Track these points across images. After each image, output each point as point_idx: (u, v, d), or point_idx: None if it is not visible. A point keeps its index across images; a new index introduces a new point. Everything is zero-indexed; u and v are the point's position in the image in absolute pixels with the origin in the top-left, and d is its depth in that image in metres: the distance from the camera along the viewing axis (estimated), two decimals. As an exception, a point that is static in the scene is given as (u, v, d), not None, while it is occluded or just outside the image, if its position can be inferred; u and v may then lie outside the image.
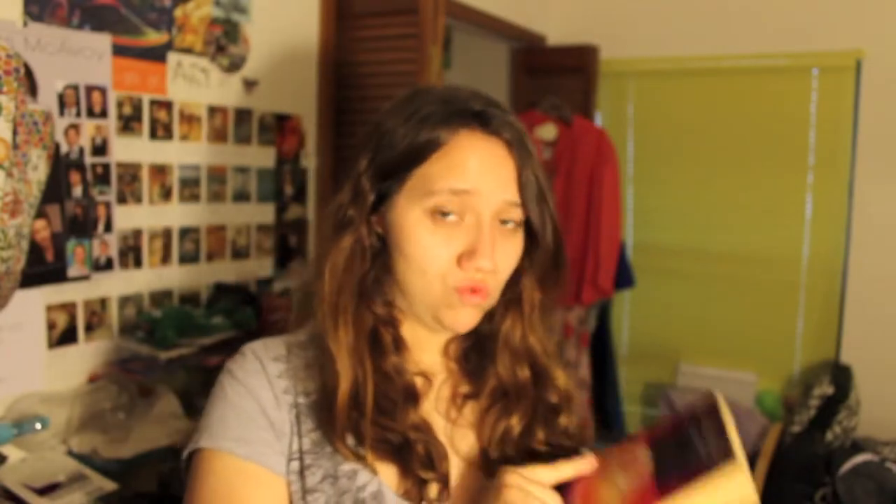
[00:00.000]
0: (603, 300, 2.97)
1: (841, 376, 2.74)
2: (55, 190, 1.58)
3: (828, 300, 2.91)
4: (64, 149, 1.61)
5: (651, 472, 0.73)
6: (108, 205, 1.73)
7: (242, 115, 2.06)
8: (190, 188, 1.95)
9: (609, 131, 2.94)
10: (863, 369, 2.79)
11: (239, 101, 2.05)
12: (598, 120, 3.21)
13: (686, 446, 0.73)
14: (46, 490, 1.41)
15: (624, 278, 2.92)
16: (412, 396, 0.84)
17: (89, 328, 1.72)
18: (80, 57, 1.63)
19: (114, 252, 1.74)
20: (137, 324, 1.78)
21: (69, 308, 1.68)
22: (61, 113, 1.60)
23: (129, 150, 1.78)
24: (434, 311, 0.81)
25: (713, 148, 3.06)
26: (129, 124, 1.77)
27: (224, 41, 1.98)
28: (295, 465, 0.80)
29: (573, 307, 2.83)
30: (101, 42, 1.68)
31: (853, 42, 2.79)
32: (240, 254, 2.10)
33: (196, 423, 0.84)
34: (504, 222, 0.81)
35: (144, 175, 1.83)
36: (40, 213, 1.54)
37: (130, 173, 1.79)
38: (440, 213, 0.79)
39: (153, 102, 1.82)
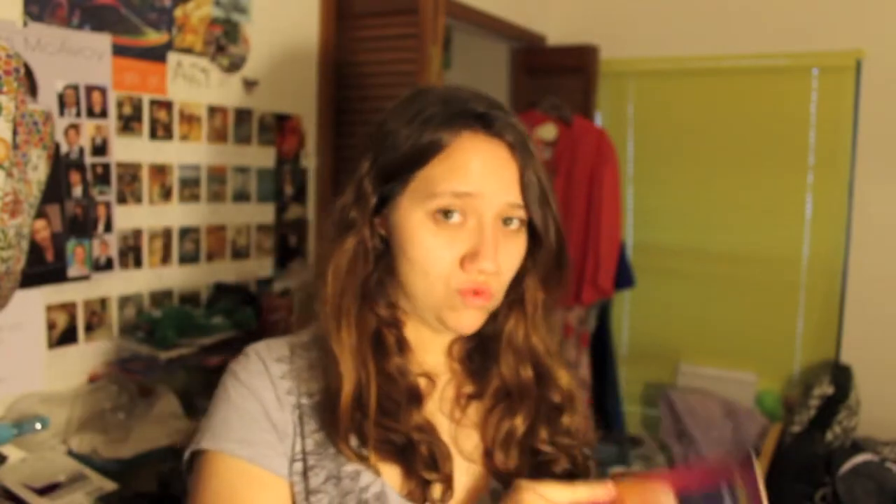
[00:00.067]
0: (603, 300, 2.97)
1: (841, 376, 2.74)
2: (55, 190, 1.58)
3: (828, 300, 2.91)
4: (64, 149, 1.61)
5: None
6: (108, 205, 1.72)
7: (242, 115, 2.06)
8: (190, 188, 1.94)
9: (609, 131, 2.94)
10: (863, 369, 2.79)
11: (239, 101, 2.05)
12: (598, 120, 3.21)
13: None
14: (46, 490, 1.41)
15: (624, 278, 2.92)
16: (416, 397, 0.84)
17: (89, 328, 1.72)
18: (80, 57, 1.63)
19: (114, 252, 1.74)
20: (137, 324, 1.78)
21: (69, 308, 1.67)
22: (61, 113, 1.60)
23: (129, 150, 1.78)
24: (437, 313, 0.81)
25: (713, 148, 3.06)
26: (129, 124, 1.77)
27: (224, 41, 1.98)
28: (298, 466, 0.80)
29: (573, 307, 2.83)
30: (101, 42, 1.68)
31: (853, 42, 2.79)
32: (240, 254, 2.10)
33: (196, 423, 0.84)
34: (507, 223, 0.81)
35: (144, 175, 1.82)
36: (40, 213, 1.54)
37: (130, 173, 1.79)
38: (443, 216, 0.79)
39: (153, 102, 1.82)
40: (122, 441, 1.61)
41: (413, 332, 0.87)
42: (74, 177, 1.64)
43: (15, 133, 1.31)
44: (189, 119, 1.91)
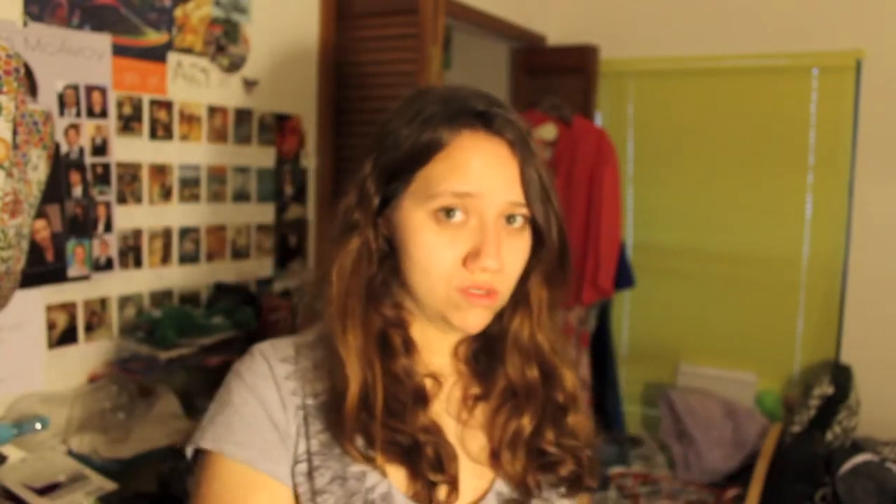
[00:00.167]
0: (603, 300, 2.96)
1: (841, 376, 2.74)
2: (55, 190, 1.58)
3: (828, 300, 2.91)
4: (64, 149, 1.61)
5: None
6: (108, 205, 1.72)
7: (242, 115, 2.06)
8: (190, 188, 1.94)
9: (609, 131, 2.94)
10: (863, 369, 2.79)
11: (239, 101, 2.04)
12: (598, 120, 3.21)
13: None
14: (46, 490, 1.41)
15: (624, 278, 2.92)
16: (422, 398, 0.84)
17: (89, 328, 1.71)
18: (80, 57, 1.63)
19: (114, 252, 1.74)
20: (137, 324, 1.78)
21: (69, 308, 1.67)
22: (61, 113, 1.60)
23: (129, 150, 1.77)
24: (442, 313, 0.81)
25: (713, 148, 3.06)
26: (129, 124, 1.77)
27: (224, 41, 1.98)
28: (303, 466, 0.80)
29: (573, 307, 2.83)
30: (101, 42, 1.67)
31: (853, 42, 2.79)
32: (240, 254, 2.10)
33: (196, 423, 0.84)
34: (510, 221, 0.81)
35: (144, 175, 1.82)
36: (40, 213, 1.54)
37: (130, 173, 1.79)
38: (444, 215, 0.78)
39: (153, 102, 1.82)
40: (122, 441, 1.61)
41: (419, 332, 0.87)
42: (74, 177, 1.63)
43: (15, 133, 1.31)
44: (189, 119, 1.91)
